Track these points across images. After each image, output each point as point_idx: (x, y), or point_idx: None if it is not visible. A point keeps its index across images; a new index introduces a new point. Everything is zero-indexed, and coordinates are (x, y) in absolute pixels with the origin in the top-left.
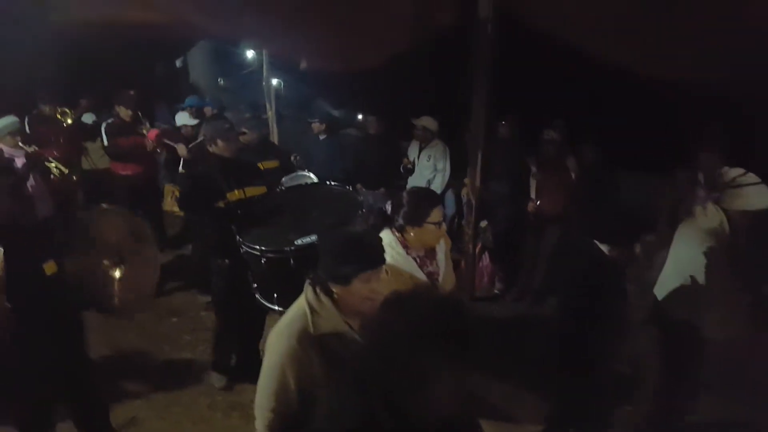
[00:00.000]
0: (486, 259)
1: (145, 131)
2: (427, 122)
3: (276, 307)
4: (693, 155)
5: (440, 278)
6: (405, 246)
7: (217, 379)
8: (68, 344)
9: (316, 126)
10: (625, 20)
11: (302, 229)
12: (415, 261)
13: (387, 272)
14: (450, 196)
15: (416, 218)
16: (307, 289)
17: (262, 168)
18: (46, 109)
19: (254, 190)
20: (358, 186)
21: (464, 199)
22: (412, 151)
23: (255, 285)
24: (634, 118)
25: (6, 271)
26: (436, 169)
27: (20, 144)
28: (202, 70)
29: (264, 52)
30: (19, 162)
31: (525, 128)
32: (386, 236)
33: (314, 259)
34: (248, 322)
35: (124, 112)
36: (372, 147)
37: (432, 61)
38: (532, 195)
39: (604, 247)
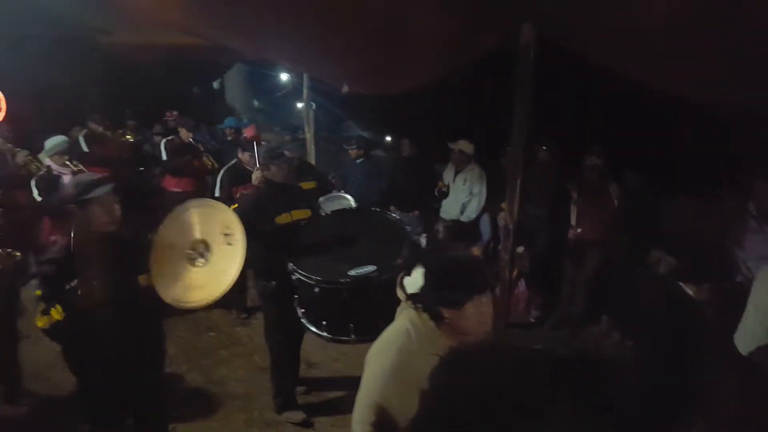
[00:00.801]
0: (522, 285)
1: (209, 163)
2: (464, 146)
3: (324, 334)
4: (744, 183)
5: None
6: None
7: (294, 416)
8: (150, 356)
9: (354, 152)
10: (670, 44)
11: (355, 259)
12: None
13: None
14: (485, 221)
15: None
16: (409, 311)
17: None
18: (99, 128)
19: (300, 213)
20: (392, 208)
21: (500, 224)
22: (448, 174)
23: (302, 310)
24: (679, 143)
25: (103, 282)
26: (471, 193)
27: (66, 162)
28: (238, 91)
29: (305, 75)
30: (66, 180)
31: (565, 153)
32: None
33: (366, 290)
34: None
35: (185, 134)
36: (406, 169)
37: (470, 85)
38: (573, 221)
39: (688, 288)
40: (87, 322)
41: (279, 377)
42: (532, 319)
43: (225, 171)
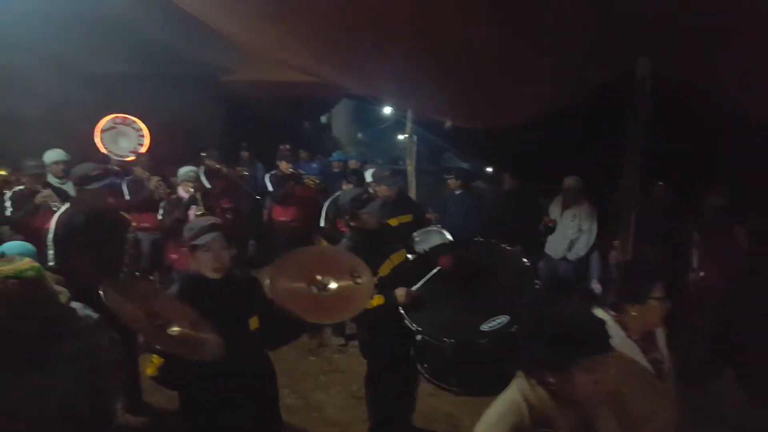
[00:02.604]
0: None
1: (311, 183)
2: (574, 182)
3: (454, 389)
4: None
5: (665, 367)
6: (624, 327)
7: None
8: (263, 397)
9: (453, 182)
10: None
11: (482, 308)
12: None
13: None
14: (596, 259)
15: (639, 294)
16: (520, 380)
17: (396, 223)
18: (214, 165)
19: (399, 257)
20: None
21: (612, 263)
22: (554, 209)
23: (425, 365)
24: None
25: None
26: (580, 230)
27: (190, 189)
28: (343, 125)
29: (409, 110)
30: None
31: (685, 191)
32: (601, 316)
33: (505, 344)
34: (404, 392)
35: (285, 166)
36: (507, 202)
37: (582, 118)
38: (695, 264)
39: None
40: (197, 369)
41: (378, 417)
42: None
43: (330, 202)
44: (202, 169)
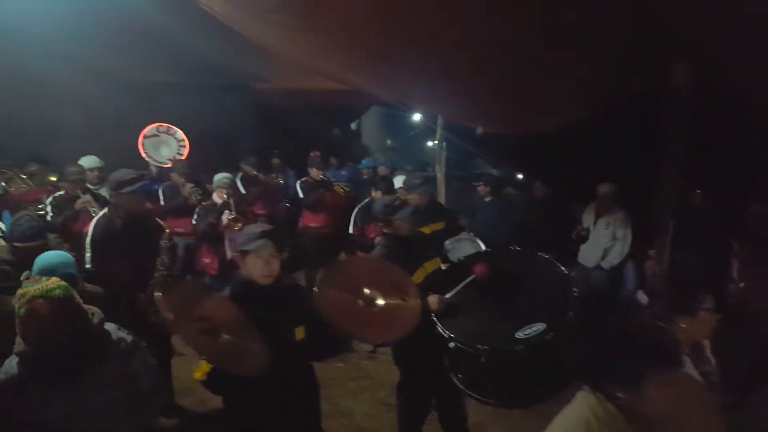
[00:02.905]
0: None
1: (341, 191)
2: (609, 189)
3: (491, 401)
4: None
5: (714, 379)
6: None
7: None
8: (306, 407)
9: (482, 189)
10: None
11: (517, 315)
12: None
13: None
14: (630, 269)
15: (689, 307)
16: (588, 396)
17: (429, 231)
18: (252, 171)
19: (433, 264)
20: None
21: (648, 273)
22: (588, 216)
23: (460, 376)
24: None
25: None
26: (614, 238)
27: (224, 196)
28: (373, 132)
29: (439, 117)
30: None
31: (725, 199)
32: None
33: (539, 351)
34: (444, 407)
35: (315, 173)
36: (539, 210)
37: (616, 125)
38: (734, 276)
39: None
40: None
41: (407, 426)
42: None
43: (359, 209)
44: (239, 175)
